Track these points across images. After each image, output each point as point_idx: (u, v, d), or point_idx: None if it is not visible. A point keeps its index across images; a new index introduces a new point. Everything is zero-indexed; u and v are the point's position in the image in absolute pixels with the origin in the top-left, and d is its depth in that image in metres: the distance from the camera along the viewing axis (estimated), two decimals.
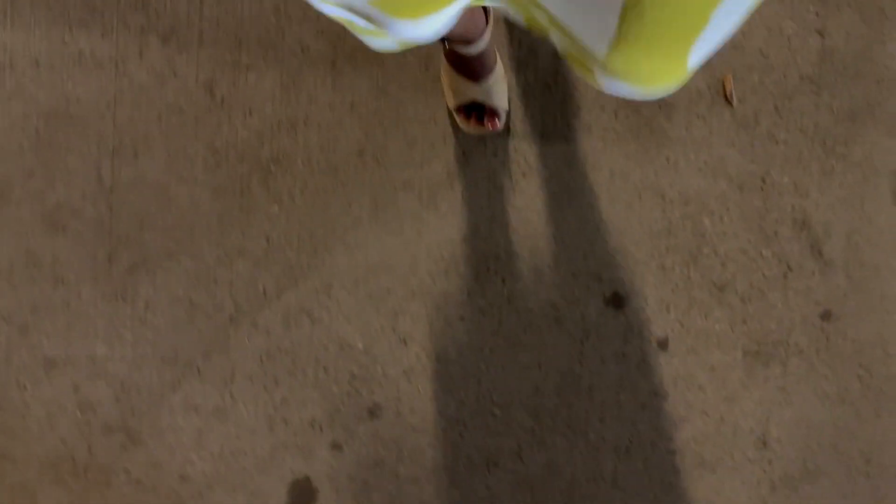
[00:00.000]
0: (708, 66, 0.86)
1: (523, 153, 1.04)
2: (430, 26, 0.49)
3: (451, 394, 1.02)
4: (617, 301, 1.01)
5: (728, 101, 1.02)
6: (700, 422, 1.01)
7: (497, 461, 1.02)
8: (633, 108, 1.02)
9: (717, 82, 1.01)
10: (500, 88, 1.00)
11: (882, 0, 1.00)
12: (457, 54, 0.93)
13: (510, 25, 1.04)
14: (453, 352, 1.02)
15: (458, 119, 1.02)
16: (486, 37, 0.90)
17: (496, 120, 0.99)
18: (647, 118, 1.02)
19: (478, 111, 0.99)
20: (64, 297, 1.02)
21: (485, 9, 0.88)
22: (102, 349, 1.02)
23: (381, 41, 0.53)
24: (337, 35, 1.01)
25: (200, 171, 1.02)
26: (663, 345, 1.01)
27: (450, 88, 1.00)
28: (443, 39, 0.91)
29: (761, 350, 1.01)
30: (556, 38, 0.52)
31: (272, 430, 1.02)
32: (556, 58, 1.03)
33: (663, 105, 1.01)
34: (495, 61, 0.98)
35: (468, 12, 0.56)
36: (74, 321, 1.02)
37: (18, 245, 1.02)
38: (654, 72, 0.47)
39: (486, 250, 1.03)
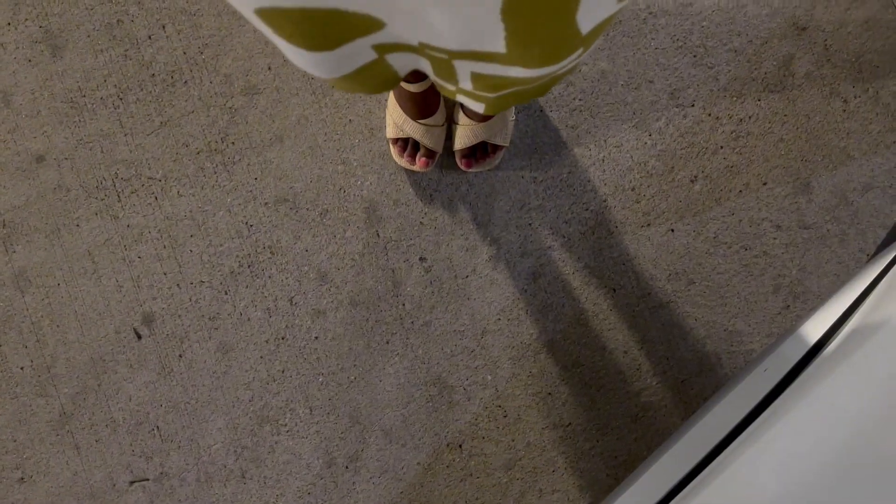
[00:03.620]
0: None
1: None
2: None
3: None
4: None
5: None
6: None
7: None
8: None
9: None
10: (438, 132, 1.00)
11: None
12: (401, 88, 0.93)
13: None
14: None
15: (392, 149, 1.04)
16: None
17: (428, 161, 1.01)
18: None
19: (414, 147, 1.01)
20: None
21: None
22: None
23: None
24: None
25: None
26: None
27: (391, 119, 1.01)
28: None
29: None
30: (462, 72, 0.54)
31: None
32: None
33: None
34: (438, 105, 0.99)
35: None
36: None
37: None
38: (548, 50, 0.47)
39: None
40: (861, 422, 0.44)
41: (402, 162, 1.03)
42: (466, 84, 0.58)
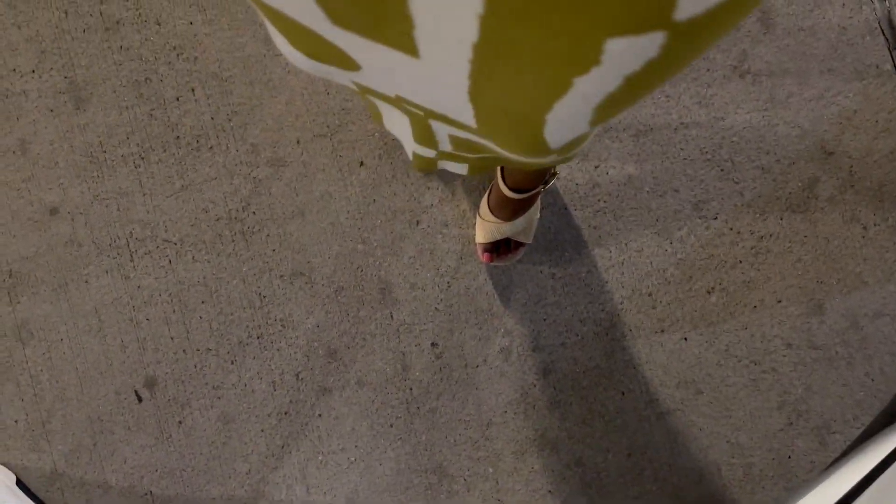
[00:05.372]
0: None
1: None
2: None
3: None
4: None
5: None
6: None
7: None
8: None
9: None
10: (530, 225, 0.99)
11: None
12: (500, 193, 0.91)
13: None
14: None
15: (481, 255, 1.01)
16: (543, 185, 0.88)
17: (513, 253, 1.00)
18: None
19: (502, 246, 1.00)
20: None
21: None
22: None
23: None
24: None
25: None
26: None
27: (481, 227, 1.00)
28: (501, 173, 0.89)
29: None
30: (440, 134, 0.53)
31: None
32: None
33: None
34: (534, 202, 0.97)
35: None
36: None
37: None
38: (515, 143, 0.47)
39: None
40: None
41: (492, 262, 1.02)
42: (446, 146, 0.57)
